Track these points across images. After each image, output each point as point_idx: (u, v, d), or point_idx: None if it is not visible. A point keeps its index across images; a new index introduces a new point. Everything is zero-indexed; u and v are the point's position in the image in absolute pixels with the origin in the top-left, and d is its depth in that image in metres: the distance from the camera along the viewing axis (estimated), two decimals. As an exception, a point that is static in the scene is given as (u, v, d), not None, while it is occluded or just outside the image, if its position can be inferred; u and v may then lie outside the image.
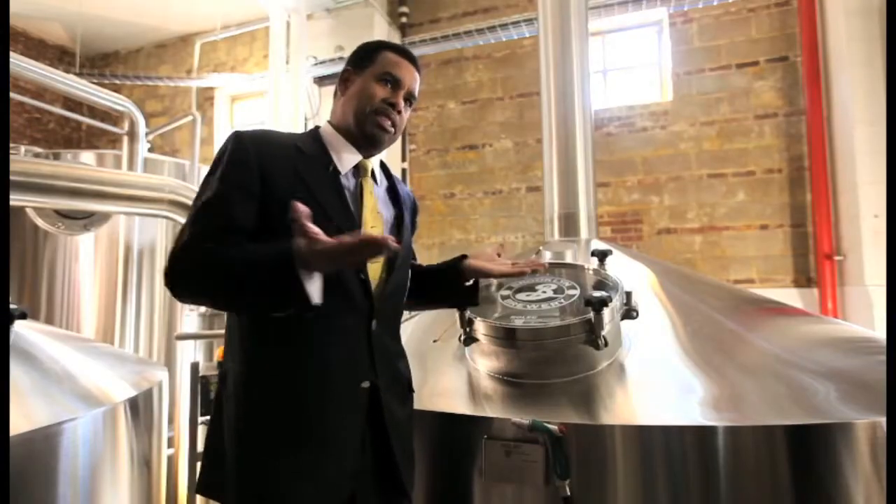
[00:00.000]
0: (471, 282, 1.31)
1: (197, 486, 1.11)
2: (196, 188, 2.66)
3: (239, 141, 1.05)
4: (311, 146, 1.13)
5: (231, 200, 1.00)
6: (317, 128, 1.20)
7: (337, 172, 1.12)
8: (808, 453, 1.09)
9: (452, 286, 1.30)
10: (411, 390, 1.21)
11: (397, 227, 1.19)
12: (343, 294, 1.05)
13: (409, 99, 1.18)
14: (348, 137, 1.15)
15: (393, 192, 1.24)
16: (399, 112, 1.15)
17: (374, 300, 1.09)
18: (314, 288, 0.90)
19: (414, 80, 1.17)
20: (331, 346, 1.04)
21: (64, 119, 7.05)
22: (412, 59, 1.18)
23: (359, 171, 1.15)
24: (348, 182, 1.13)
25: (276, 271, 0.90)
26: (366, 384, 1.06)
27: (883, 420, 1.10)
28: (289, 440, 1.01)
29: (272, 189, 1.03)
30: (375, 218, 1.14)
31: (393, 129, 1.15)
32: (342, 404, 1.04)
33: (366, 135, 1.13)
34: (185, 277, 0.98)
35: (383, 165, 1.26)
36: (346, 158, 1.14)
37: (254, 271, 0.93)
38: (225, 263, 0.95)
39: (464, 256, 1.30)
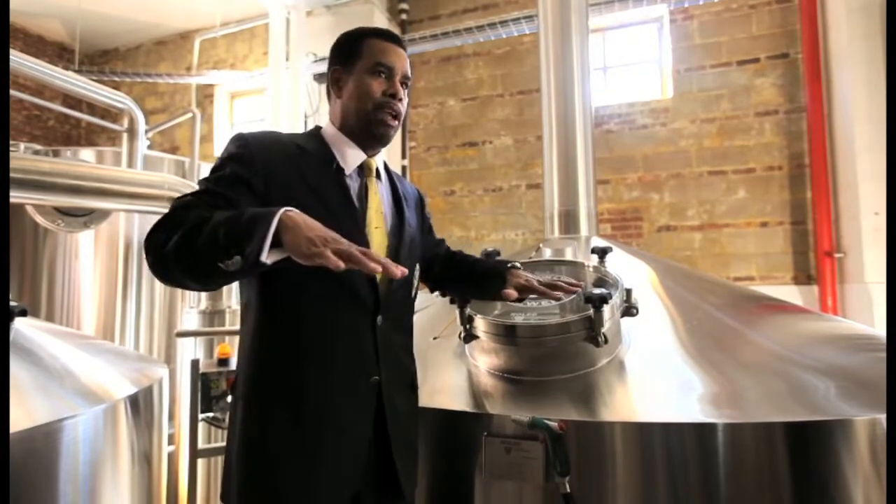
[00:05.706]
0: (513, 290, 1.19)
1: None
2: (196, 186, 2.67)
3: (242, 140, 1.06)
4: (313, 145, 1.12)
5: (226, 186, 0.99)
6: (318, 127, 1.19)
7: (340, 170, 1.11)
8: (807, 450, 1.09)
9: (496, 290, 1.21)
10: (414, 387, 1.21)
11: (399, 227, 1.18)
12: (350, 289, 1.05)
13: (405, 82, 1.16)
14: (352, 137, 1.14)
15: (395, 191, 1.23)
16: (400, 100, 1.13)
17: (380, 295, 1.09)
18: (274, 253, 0.84)
19: (405, 62, 1.15)
20: (335, 340, 1.04)
21: (63, 116, 7.05)
22: (397, 41, 1.16)
23: (363, 170, 1.15)
24: (353, 182, 1.13)
25: (253, 220, 0.84)
26: (375, 378, 1.06)
27: (882, 417, 1.10)
28: (295, 439, 1.00)
29: (275, 188, 1.02)
30: (379, 218, 1.14)
31: (398, 121, 1.14)
32: (350, 399, 1.04)
33: (373, 135, 1.12)
34: (158, 241, 0.90)
35: (385, 165, 1.25)
36: (351, 158, 1.13)
37: (231, 221, 0.86)
38: (204, 218, 0.88)
39: (508, 264, 1.25)
